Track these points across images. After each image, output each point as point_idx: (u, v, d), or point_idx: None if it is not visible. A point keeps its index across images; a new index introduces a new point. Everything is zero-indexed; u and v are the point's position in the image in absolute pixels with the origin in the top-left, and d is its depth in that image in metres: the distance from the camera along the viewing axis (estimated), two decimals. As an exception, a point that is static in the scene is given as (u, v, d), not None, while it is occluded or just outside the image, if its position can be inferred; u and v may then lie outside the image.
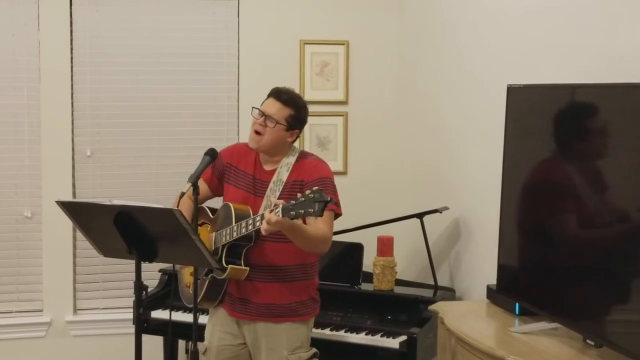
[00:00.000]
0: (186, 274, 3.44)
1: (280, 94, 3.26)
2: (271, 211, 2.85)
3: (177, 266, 3.46)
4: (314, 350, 3.35)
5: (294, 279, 3.26)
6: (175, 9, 4.67)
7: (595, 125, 2.68)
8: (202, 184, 3.37)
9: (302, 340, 3.30)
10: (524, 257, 3.11)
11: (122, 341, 4.44)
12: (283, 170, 3.25)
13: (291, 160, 3.28)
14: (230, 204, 3.22)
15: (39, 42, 4.53)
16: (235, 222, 3.13)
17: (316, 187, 2.77)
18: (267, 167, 3.30)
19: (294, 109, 3.24)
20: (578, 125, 2.77)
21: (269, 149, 3.26)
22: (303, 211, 2.74)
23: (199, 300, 3.28)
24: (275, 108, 3.23)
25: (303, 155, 3.32)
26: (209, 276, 3.26)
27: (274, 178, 3.25)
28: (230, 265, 3.15)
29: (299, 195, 2.78)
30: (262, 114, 3.23)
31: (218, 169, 3.38)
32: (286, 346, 3.25)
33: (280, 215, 2.79)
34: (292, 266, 3.24)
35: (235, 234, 3.12)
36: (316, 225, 3.05)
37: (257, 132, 3.23)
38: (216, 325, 3.36)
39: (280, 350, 3.25)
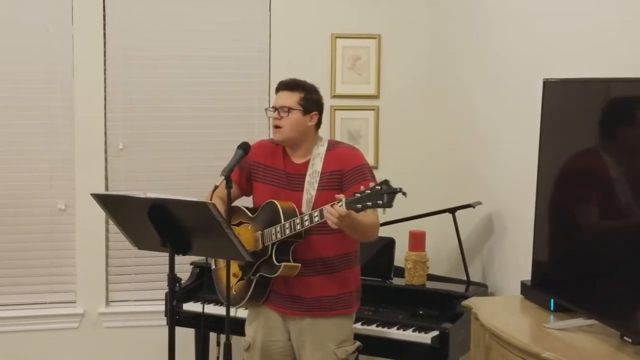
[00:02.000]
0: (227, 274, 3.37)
1: (283, 84, 3.31)
2: (333, 205, 2.88)
3: (214, 266, 3.45)
4: (358, 343, 3.36)
5: (337, 270, 3.26)
6: (207, 4, 4.68)
7: (631, 119, 2.65)
8: None
9: (347, 333, 3.31)
10: (560, 252, 3.07)
11: (153, 333, 4.48)
12: (316, 161, 3.25)
13: (322, 150, 3.27)
14: (275, 201, 3.20)
15: (73, 37, 4.56)
16: (285, 219, 3.12)
17: (384, 179, 2.81)
18: (298, 160, 3.30)
19: (301, 91, 3.26)
20: (615, 120, 2.73)
21: (293, 139, 3.27)
22: (371, 203, 2.78)
23: (245, 300, 3.29)
24: (283, 98, 3.26)
25: (334, 145, 3.32)
26: (257, 275, 3.25)
27: (309, 171, 3.24)
28: (283, 263, 3.15)
29: (362, 188, 2.82)
30: (275, 108, 3.26)
31: (245, 169, 3.37)
32: (333, 340, 3.26)
33: (345, 208, 2.84)
34: (335, 257, 3.25)
35: (287, 231, 3.11)
36: (365, 215, 3.05)
37: (276, 126, 3.25)
38: (259, 323, 3.35)
39: (327, 344, 3.24)
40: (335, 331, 3.27)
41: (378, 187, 2.78)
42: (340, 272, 3.27)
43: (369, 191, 2.80)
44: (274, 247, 3.17)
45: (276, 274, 3.17)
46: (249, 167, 3.37)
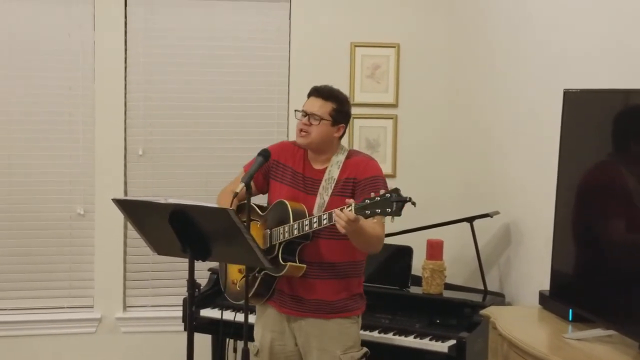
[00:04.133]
0: (233, 271, 3.43)
1: (319, 91, 3.30)
2: (342, 209, 2.89)
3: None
4: (365, 349, 3.36)
5: (345, 276, 3.28)
6: (228, 11, 4.71)
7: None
8: None
9: (354, 339, 3.31)
10: (579, 262, 3.07)
11: (170, 338, 4.50)
12: (334, 168, 3.27)
13: (341, 158, 3.29)
14: (285, 201, 3.23)
15: (94, 42, 4.61)
16: (293, 220, 3.14)
17: (394, 187, 2.81)
18: (317, 166, 3.32)
19: (335, 102, 3.27)
20: (635, 130, 2.73)
21: (317, 146, 3.28)
22: (379, 210, 2.78)
23: (249, 296, 3.30)
24: (317, 106, 3.26)
25: (353, 153, 3.35)
26: (262, 273, 3.27)
27: (326, 176, 3.26)
28: (289, 263, 3.17)
29: (372, 194, 2.82)
30: (305, 113, 3.27)
31: (264, 166, 3.38)
32: (339, 346, 3.26)
33: (354, 213, 2.83)
34: (342, 263, 3.26)
35: (296, 231, 3.13)
36: (372, 225, 3.06)
37: (303, 130, 3.26)
38: (267, 325, 3.37)
39: (332, 350, 3.25)
40: (341, 337, 3.27)
41: (388, 195, 2.77)
42: (347, 279, 3.29)
43: (379, 198, 2.79)
44: (281, 247, 3.19)
45: (281, 274, 3.19)
46: (269, 165, 3.39)
